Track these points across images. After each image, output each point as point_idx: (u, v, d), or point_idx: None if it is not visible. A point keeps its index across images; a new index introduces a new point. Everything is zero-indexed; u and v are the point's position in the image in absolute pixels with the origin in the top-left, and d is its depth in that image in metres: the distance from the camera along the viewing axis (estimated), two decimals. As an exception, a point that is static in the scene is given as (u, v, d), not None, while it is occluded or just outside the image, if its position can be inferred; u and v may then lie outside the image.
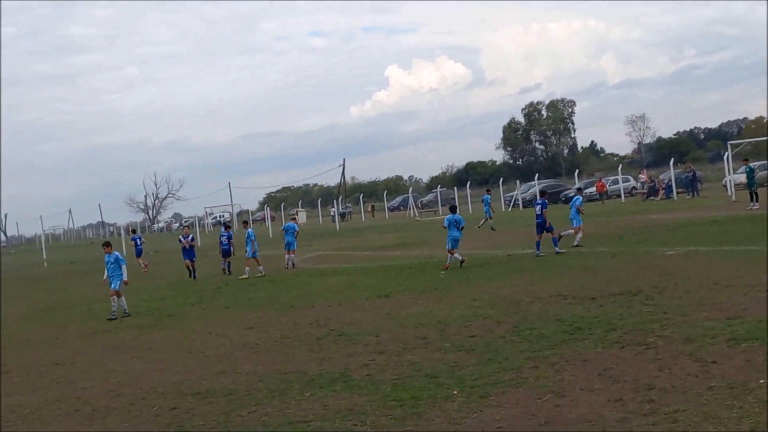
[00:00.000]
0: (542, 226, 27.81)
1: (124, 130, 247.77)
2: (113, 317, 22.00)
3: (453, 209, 27.76)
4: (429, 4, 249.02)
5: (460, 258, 25.71)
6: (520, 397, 10.10)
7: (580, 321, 14.60)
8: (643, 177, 72.05)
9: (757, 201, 39.36)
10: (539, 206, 28.43)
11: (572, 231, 29.14)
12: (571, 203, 30.96)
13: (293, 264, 33.89)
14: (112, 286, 22.55)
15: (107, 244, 23.77)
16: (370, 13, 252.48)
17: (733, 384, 9.63)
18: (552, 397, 9.97)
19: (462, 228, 26.71)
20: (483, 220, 46.46)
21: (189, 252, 34.59)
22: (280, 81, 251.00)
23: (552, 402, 9.78)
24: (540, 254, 26.81)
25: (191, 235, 36.55)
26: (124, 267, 22.60)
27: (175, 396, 12.18)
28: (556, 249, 27.00)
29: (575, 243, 28.41)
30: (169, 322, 20.59)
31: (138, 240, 44.51)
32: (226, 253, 34.73)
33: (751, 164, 43.65)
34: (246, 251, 31.79)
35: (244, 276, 30.74)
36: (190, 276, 33.29)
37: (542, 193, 31.40)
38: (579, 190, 35.77)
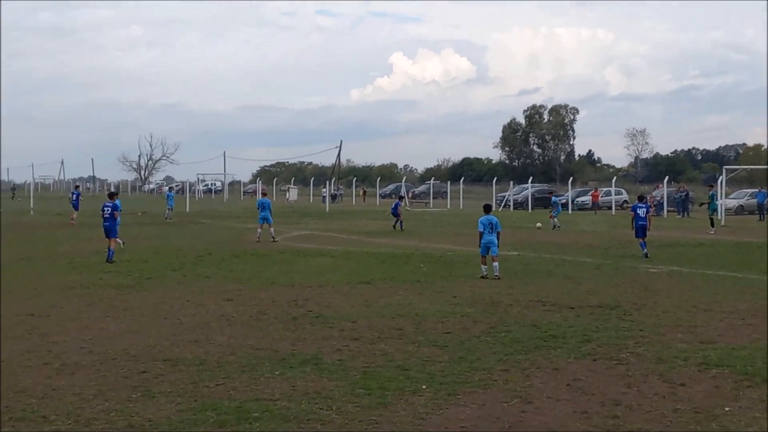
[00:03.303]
0: (645, 229, 28.56)
1: (123, 89, 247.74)
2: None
3: (488, 209, 23.84)
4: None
5: (496, 273, 21.90)
6: (488, 399, 10.14)
7: (555, 329, 14.64)
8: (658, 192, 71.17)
9: (713, 227, 42.66)
10: (644, 209, 29.17)
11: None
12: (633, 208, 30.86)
13: (273, 238, 34.62)
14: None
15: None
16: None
17: (699, 409, 9.69)
18: (519, 403, 10.01)
19: (499, 233, 22.65)
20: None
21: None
22: (283, 57, 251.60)
23: (518, 407, 9.82)
24: (647, 253, 27.70)
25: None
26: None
27: (145, 360, 12.19)
28: (645, 251, 27.84)
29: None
30: (148, 285, 20.57)
31: (76, 195, 49.01)
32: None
33: (713, 191, 45.68)
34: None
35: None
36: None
37: (641, 197, 31.63)
38: (640, 197, 33.22)
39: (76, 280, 21.31)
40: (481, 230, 22.36)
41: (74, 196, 49.07)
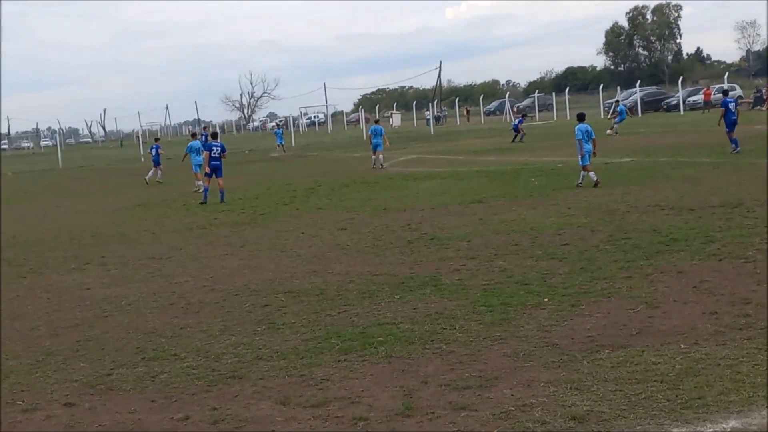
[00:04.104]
0: (735, 123, 28.53)
1: (221, 30, 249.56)
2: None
3: (581, 117, 23.37)
4: None
5: (595, 178, 21.87)
6: (612, 307, 9.97)
7: (677, 232, 14.29)
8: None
9: None
10: (734, 104, 29.22)
11: None
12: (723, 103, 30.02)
13: (382, 164, 34.67)
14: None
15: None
16: None
17: (836, 302, 9.33)
18: (645, 308, 9.81)
19: (594, 140, 22.69)
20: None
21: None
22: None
23: (644, 313, 9.62)
24: (738, 150, 27.46)
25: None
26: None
27: (267, 293, 12.35)
28: (738, 149, 27.56)
29: None
30: (262, 220, 20.82)
31: (156, 149, 37.96)
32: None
33: None
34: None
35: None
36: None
37: (725, 92, 31.33)
38: (725, 92, 33.84)
39: (192, 222, 21.72)
40: (580, 138, 22.32)
41: (154, 150, 37.85)
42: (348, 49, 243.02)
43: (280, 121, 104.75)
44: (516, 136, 46.70)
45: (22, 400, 8.36)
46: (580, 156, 22.47)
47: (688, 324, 9.03)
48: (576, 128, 22.70)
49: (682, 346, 8.30)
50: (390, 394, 7.63)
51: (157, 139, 40.55)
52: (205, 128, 70.35)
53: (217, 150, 26.42)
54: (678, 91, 71.06)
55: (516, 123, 48.81)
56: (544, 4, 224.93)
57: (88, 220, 24.38)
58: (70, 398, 8.29)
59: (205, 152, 27.14)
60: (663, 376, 7.46)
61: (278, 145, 56.32)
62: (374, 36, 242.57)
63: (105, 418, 7.66)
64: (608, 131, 44.39)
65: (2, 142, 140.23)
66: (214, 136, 28.80)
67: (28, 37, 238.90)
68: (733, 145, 27.66)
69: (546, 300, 10.50)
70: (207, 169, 26.30)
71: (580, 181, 22.14)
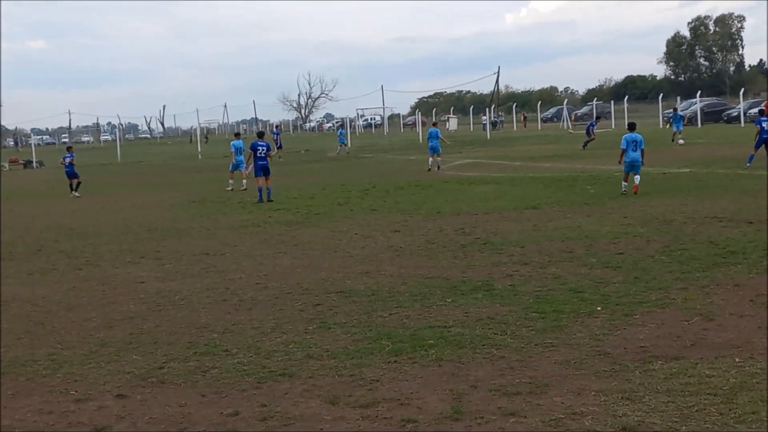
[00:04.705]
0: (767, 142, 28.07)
1: (280, 29, 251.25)
2: None
3: (632, 127, 23.60)
4: None
5: (628, 186, 22.17)
6: (666, 318, 9.85)
7: (734, 245, 14.09)
8: None
9: None
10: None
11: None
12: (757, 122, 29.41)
13: (438, 166, 35.18)
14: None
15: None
16: None
17: None
18: (699, 320, 9.68)
19: (643, 150, 22.48)
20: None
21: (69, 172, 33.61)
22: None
23: (699, 325, 9.50)
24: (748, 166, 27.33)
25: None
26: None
27: (319, 292, 12.39)
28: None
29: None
30: (316, 220, 20.90)
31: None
32: None
33: None
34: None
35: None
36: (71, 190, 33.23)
37: (761, 111, 30.70)
38: (761, 112, 33.30)
39: (247, 219, 21.87)
40: (624, 147, 22.53)
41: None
42: (406, 51, 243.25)
43: (336, 121, 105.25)
44: (588, 141, 46.59)
45: (75, 390, 8.47)
46: (621, 164, 22.87)
47: (744, 338, 8.89)
48: (623, 137, 22.88)
49: (737, 359, 8.18)
50: (439, 397, 7.62)
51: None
52: (277, 127, 72.61)
53: (263, 149, 26.61)
54: (739, 102, 70.02)
55: (590, 125, 48.87)
56: (605, 12, 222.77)
57: (145, 214, 24.66)
58: (122, 390, 8.39)
59: (249, 152, 27.34)
60: (716, 389, 7.36)
61: (341, 145, 57.21)
62: (432, 39, 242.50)
63: (156, 411, 7.73)
64: (680, 141, 43.82)
65: (62, 135, 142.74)
66: (260, 135, 28.92)
67: (89, 33, 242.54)
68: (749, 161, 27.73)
69: (599, 309, 10.41)
70: (248, 169, 26.66)
71: (623, 190, 22.34)
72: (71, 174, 33.71)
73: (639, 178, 22.21)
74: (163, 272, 14.90)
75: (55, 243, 19.34)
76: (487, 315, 10.43)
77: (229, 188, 30.99)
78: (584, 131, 49.58)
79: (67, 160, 33.80)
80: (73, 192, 33.03)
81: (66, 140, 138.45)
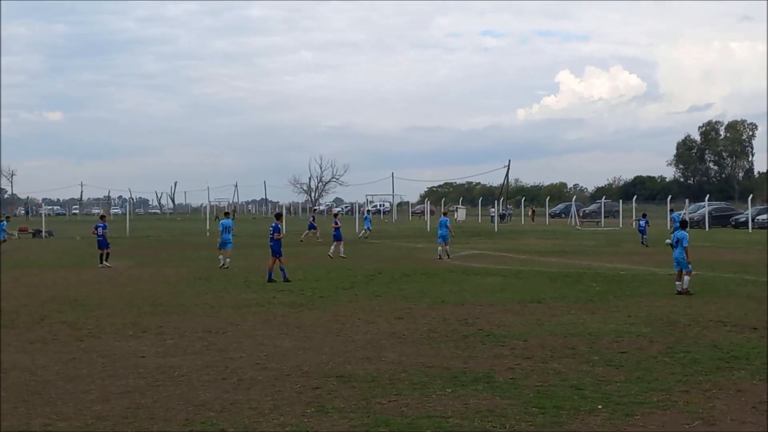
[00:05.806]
0: None
1: (293, 112, 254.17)
2: None
3: (684, 224, 23.83)
4: (607, 13, 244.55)
5: (684, 287, 21.93)
6: (667, 421, 9.78)
7: (738, 350, 14.03)
8: None
9: None
10: None
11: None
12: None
13: (448, 254, 35.87)
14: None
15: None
16: (546, 18, 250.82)
17: None
18: (701, 425, 9.60)
19: (686, 248, 22.20)
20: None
21: (101, 242, 33.61)
22: (448, 77, 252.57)
23: (700, 429, 9.43)
24: None
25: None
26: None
27: (318, 376, 12.34)
28: None
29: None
30: (320, 303, 20.89)
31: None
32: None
33: None
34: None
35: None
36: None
37: None
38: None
39: (251, 299, 21.87)
40: (672, 243, 22.85)
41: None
42: (417, 139, 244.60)
43: (345, 206, 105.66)
44: (643, 238, 45.45)
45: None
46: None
47: (745, 444, 8.82)
48: (674, 233, 23.28)
49: (738, 466, 8.10)
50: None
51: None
52: (314, 210, 73.91)
53: (271, 232, 27.13)
54: (747, 208, 70.24)
55: (643, 224, 47.24)
56: (615, 112, 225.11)
57: (149, 288, 24.70)
58: (115, 463, 8.32)
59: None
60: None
61: (366, 230, 57.69)
62: (444, 129, 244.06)
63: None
64: (667, 241, 43.99)
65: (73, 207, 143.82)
66: (278, 216, 29.41)
67: (108, 107, 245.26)
68: None
69: (600, 407, 10.34)
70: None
71: (684, 288, 22.04)
72: (103, 244, 33.41)
73: (688, 280, 22.06)
74: (165, 348, 14.87)
75: (58, 313, 19.37)
76: (487, 407, 10.36)
77: (221, 264, 31.77)
78: (638, 229, 48.07)
79: (100, 230, 33.41)
80: (104, 262, 32.74)
81: (77, 211, 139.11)
